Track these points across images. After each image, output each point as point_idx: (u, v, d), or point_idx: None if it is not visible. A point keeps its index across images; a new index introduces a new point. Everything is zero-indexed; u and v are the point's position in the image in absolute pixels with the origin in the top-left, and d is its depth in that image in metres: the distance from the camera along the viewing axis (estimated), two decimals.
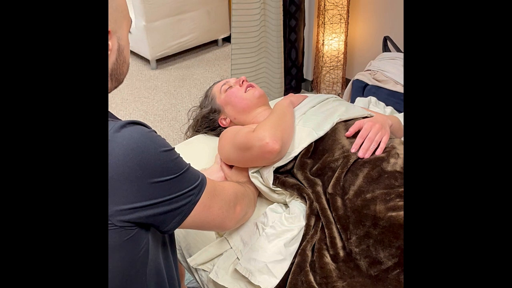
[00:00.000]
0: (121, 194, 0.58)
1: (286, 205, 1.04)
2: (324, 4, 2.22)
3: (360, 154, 0.95)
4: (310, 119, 1.08)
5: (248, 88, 1.21)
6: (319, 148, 1.02)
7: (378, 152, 0.96)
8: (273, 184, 1.01)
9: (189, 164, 0.69)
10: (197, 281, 1.04)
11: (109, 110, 0.64)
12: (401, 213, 0.82)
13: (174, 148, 0.66)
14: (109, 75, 0.67)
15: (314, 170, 0.99)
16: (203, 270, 1.00)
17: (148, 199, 0.61)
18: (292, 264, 0.89)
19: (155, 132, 0.64)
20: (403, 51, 2.00)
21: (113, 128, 0.58)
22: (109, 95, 0.68)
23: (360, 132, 0.99)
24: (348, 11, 2.25)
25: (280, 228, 0.94)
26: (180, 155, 0.67)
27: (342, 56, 2.37)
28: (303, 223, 0.95)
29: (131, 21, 0.71)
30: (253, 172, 1.04)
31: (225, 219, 0.79)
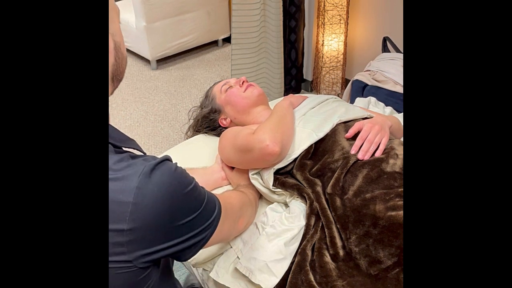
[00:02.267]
0: (148, 240, 0.57)
1: (286, 204, 1.04)
2: (324, 5, 2.23)
3: (359, 156, 0.96)
4: (310, 120, 1.08)
5: (248, 88, 1.22)
6: (319, 149, 1.02)
7: (378, 154, 0.96)
8: (273, 185, 1.02)
9: (205, 191, 0.67)
10: (198, 281, 1.04)
11: (110, 114, 0.61)
12: (401, 212, 0.83)
13: (194, 179, 0.64)
14: (110, 78, 0.62)
15: (313, 171, 0.99)
16: (203, 269, 1.01)
17: (172, 240, 0.60)
18: (292, 263, 0.89)
19: (178, 166, 0.62)
20: (402, 51, 2.01)
21: (143, 173, 0.55)
22: (110, 95, 0.65)
23: (360, 134, 0.99)
24: (347, 12, 2.26)
25: (280, 228, 0.95)
26: (198, 184, 0.65)
27: (342, 56, 2.37)
28: (303, 222, 0.96)
29: (119, 9, 0.64)
30: (253, 174, 1.04)
31: (231, 235, 0.82)
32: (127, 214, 0.54)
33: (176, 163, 0.62)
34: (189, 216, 0.61)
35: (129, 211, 0.54)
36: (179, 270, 1.41)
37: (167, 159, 0.61)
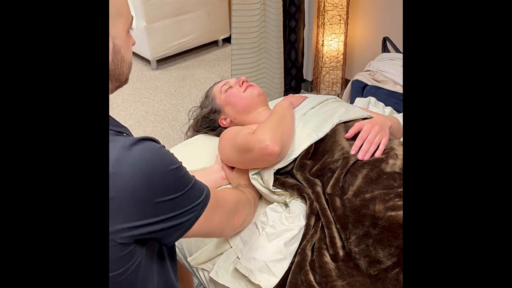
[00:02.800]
0: (126, 213, 0.58)
1: (286, 204, 1.04)
2: (324, 5, 2.23)
3: (359, 156, 0.96)
4: (310, 120, 1.08)
5: (247, 88, 1.22)
6: (319, 150, 1.02)
7: (378, 154, 0.96)
8: (273, 185, 1.02)
9: (194, 178, 0.68)
10: (200, 280, 1.04)
11: (111, 114, 0.64)
12: (400, 212, 0.83)
13: (181, 163, 0.65)
14: None
15: (313, 171, 0.99)
16: (203, 269, 1.01)
17: (152, 217, 0.60)
18: (292, 263, 0.89)
19: (164, 147, 0.63)
20: (402, 51, 2.01)
21: (123, 146, 0.57)
22: (110, 95, 0.68)
23: (360, 134, 0.99)
24: (347, 12, 2.26)
25: (280, 228, 0.95)
26: (186, 169, 0.66)
27: (342, 56, 2.38)
28: (303, 222, 0.96)
29: (132, 17, 0.68)
30: (253, 174, 1.04)
31: (224, 229, 0.80)
32: None
33: (163, 145, 0.63)
34: (170, 195, 0.61)
35: None
36: None
37: (153, 140, 0.62)
